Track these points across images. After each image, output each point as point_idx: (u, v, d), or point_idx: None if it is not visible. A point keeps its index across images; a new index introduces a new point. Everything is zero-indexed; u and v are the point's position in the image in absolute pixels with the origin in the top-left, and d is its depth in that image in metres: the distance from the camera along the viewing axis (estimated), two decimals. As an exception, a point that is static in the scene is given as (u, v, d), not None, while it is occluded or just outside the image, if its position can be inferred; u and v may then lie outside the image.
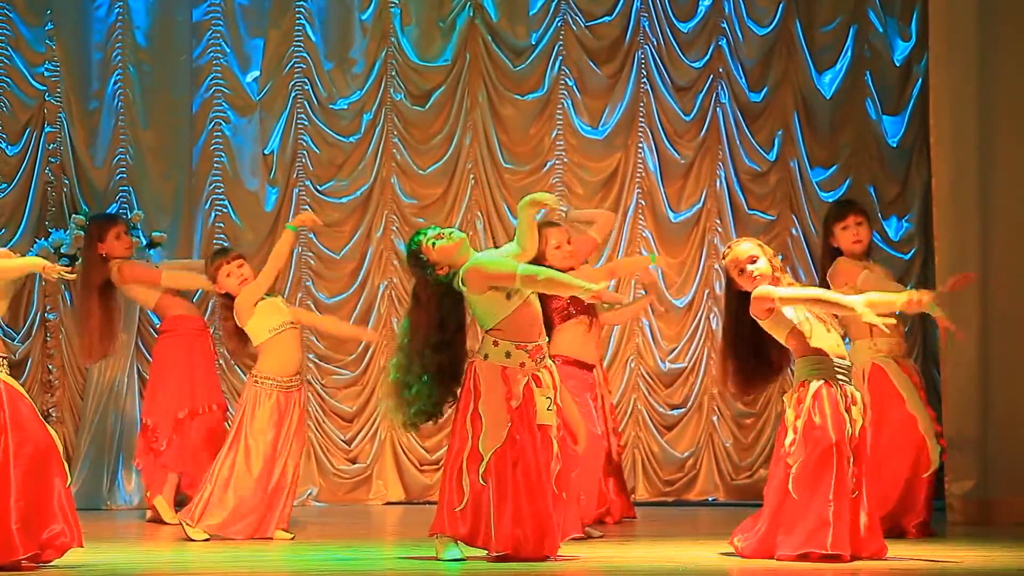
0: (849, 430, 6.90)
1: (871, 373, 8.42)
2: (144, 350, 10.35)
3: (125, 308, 9.85)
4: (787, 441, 6.93)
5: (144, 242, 10.04)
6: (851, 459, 6.87)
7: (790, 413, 6.97)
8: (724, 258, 7.14)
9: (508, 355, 6.79)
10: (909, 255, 11.09)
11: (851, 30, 11.12)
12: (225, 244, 10.46)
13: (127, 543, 8.09)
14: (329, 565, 6.92)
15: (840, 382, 6.96)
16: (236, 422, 8.28)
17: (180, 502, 9.21)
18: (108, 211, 10.31)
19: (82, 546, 6.58)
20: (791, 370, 7.21)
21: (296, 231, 8.61)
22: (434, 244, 6.85)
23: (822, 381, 6.95)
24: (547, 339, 6.95)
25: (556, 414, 6.84)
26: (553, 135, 11.11)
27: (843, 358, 7.02)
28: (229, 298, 8.40)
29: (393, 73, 11.04)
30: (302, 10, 10.97)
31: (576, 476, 7.65)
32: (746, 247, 7.09)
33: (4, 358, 6.61)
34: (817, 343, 6.96)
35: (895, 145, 11.12)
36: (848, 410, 6.93)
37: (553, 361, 7.12)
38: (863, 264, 8.49)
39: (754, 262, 7.02)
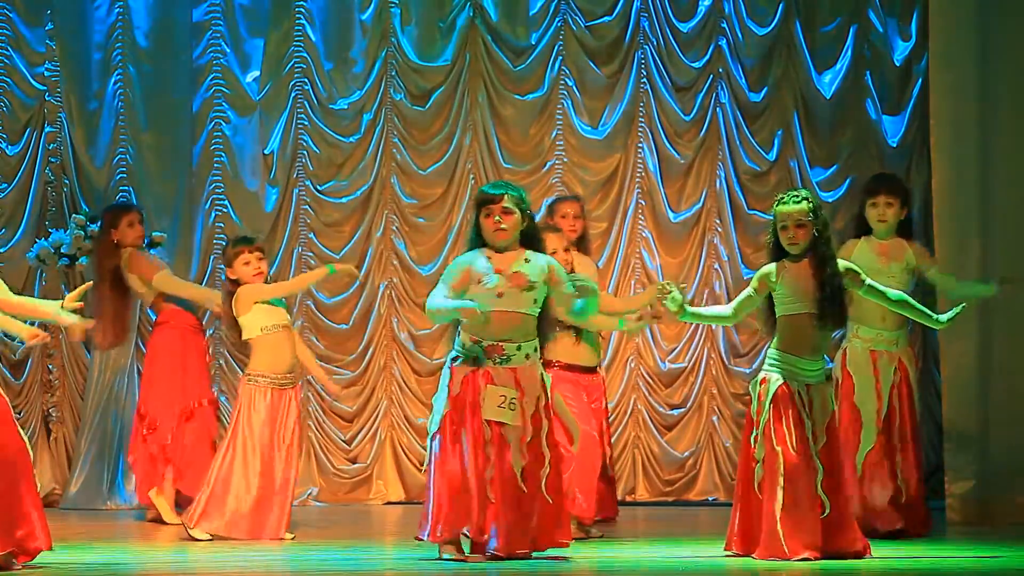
0: (810, 429, 6.94)
1: (840, 357, 8.49)
2: (143, 349, 10.33)
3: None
4: (751, 436, 7.02)
5: (144, 242, 10.03)
6: (813, 459, 6.91)
7: (754, 406, 7.03)
8: (780, 202, 7.10)
9: (464, 346, 6.94)
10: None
11: (851, 30, 11.12)
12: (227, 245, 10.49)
13: (127, 543, 8.09)
14: (329, 565, 6.92)
15: (803, 382, 7.00)
16: (233, 422, 8.28)
17: (179, 503, 9.22)
18: (120, 200, 10.29)
19: (51, 549, 6.55)
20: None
21: (334, 273, 8.74)
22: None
23: (782, 380, 6.99)
24: (520, 345, 6.92)
25: (520, 415, 6.86)
26: (553, 135, 11.11)
27: (808, 358, 7.03)
28: (236, 284, 8.37)
29: (393, 73, 11.05)
30: (302, 10, 10.97)
31: (571, 476, 7.68)
32: (805, 209, 7.08)
33: None
34: (789, 343, 7.04)
35: (895, 145, 11.11)
36: (809, 410, 6.97)
37: (548, 367, 7.25)
38: (881, 243, 8.49)
39: (802, 227, 7.03)
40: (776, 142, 11.12)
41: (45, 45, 10.73)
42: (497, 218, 6.92)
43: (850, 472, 8.07)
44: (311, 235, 10.97)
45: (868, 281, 7.13)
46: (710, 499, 10.92)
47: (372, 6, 11.02)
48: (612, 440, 10.87)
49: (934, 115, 9.33)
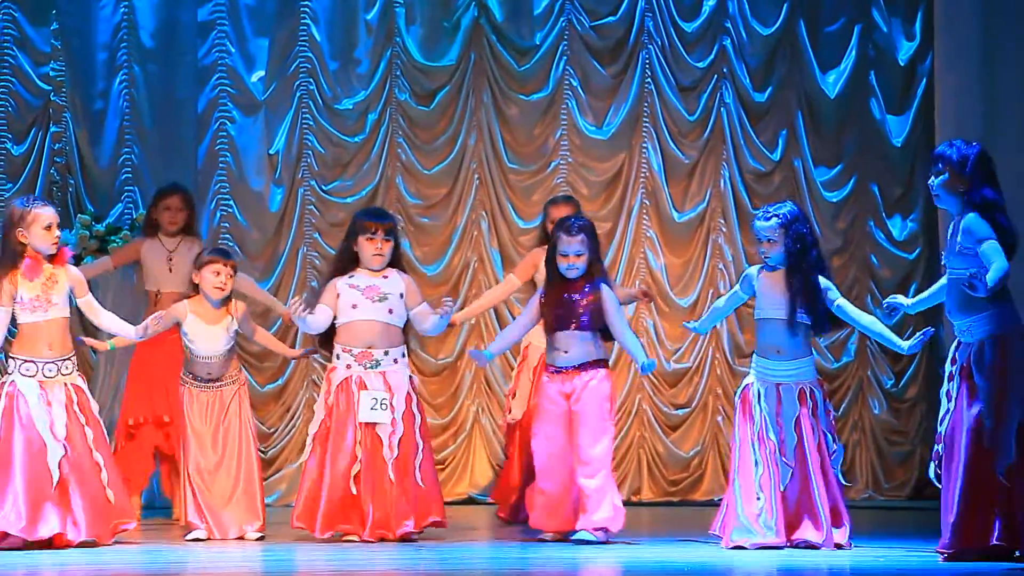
0: (771, 425, 7.38)
1: None
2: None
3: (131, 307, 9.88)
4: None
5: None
6: (780, 451, 7.38)
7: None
8: (756, 217, 7.60)
9: (338, 356, 7.92)
10: (914, 255, 11.11)
11: (856, 30, 11.14)
12: (232, 245, 10.52)
13: (128, 543, 8.08)
14: (330, 565, 6.93)
15: (773, 382, 7.45)
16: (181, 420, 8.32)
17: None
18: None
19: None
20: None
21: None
22: None
23: (751, 381, 7.52)
24: (387, 350, 7.89)
25: (390, 413, 7.78)
26: (557, 135, 11.11)
27: (775, 359, 7.46)
28: (196, 288, 8.24)
29: (398, 73, 11.05)
30: (307, 10, 10.97)
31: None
32: (772, 226, 7.47)
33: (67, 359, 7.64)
34: (760, 346, 7.55)
35: (899, 145, 11.13)
36: (778, 409, 7.42)
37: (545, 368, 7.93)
38: None
39: (771, 242, 7.48)
40: (780, 142, 11.13)
41: (50, 45, 10.72)
42: (379, 244, 7.97)
43: None
44: (316, 235, 10.97)
45: (837, 302, 7.49)
46: (715, 499, 10.89)
47: (377, 6, 11.02)
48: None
49: (939, 115, 9.34)
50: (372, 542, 7.69)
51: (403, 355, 7.99)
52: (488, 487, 10.80)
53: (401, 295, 7.96)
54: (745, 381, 7.57)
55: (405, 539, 7.78)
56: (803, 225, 7.47)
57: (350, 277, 7.99)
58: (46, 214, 7.59)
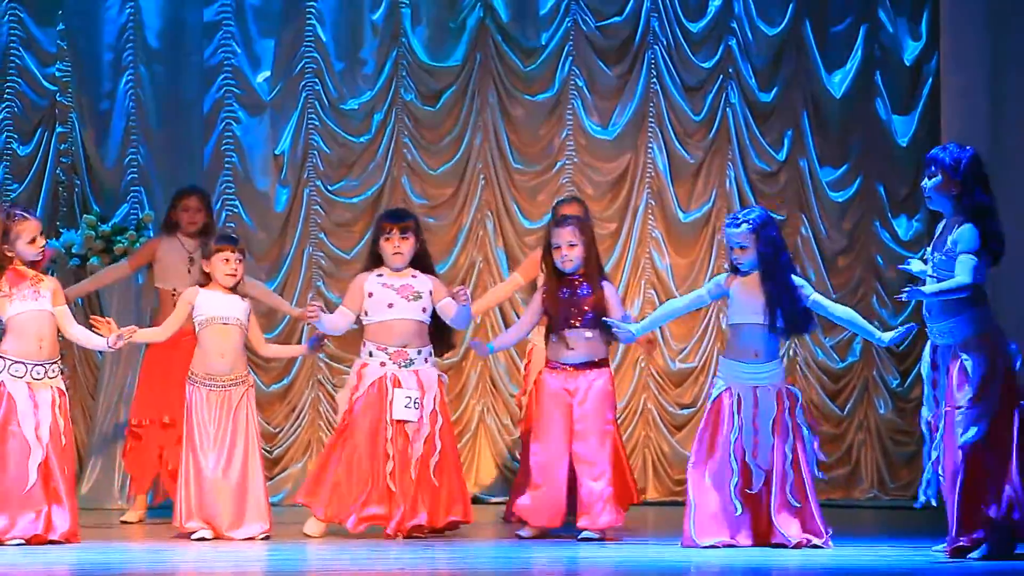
0: (746, 429, 7.38)
1: None
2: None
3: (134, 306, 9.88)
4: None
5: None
6: (748, 455, 7.37)
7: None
8: (726, 223, 7.58)
9: (371, 354, 8.04)
10: (919, 255, 11.08)
11: (861, 30, 11.15)
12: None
13: (130, 543, 8.10)
14: (334, 564, 6.93)
15: (748, 385, 7.43)
16: (184, 419, 8.22)
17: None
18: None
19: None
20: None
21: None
22: None
23: (724, 387, 7.48)
24: (422, 350, 8.05)
25: (419, 411, 7.93)
26: (563, 135, 11.12)
27: (752, 362, 7.44)
28: (208, 277, 8.18)
29: (403, 73, 11.06)
30: (312, 10, 10.98)
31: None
32: (742, 232, 7.44)
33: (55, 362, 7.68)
34: (733, 350, 7.54)
35: (905, 145, 11.13)
36: (754, 412, 7.40)
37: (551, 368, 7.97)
38: None
39: (742, 248, 7.46)
40: (786, 142, 11.14)
41: (56, 45, 10.73)
42: (396, 243, 8.09)
43: None
44: (321, 235, 10.98)
45: (812, 297, 7.51)
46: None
47: (383, 7, 11.03)
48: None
49: (945, 115, 9.33)
50: (393, 538, 7.85)
51: (431, 353, 8.17)
52: (493, 486, 10.81)
53: (430, 292, 8.14)
54: (718, 386, 7.48)
55: (414, 534, 7.91)
56: (773, 229, 7.52)
57: (379, 276, 8.13)
58: (31, 227, 7.59)
